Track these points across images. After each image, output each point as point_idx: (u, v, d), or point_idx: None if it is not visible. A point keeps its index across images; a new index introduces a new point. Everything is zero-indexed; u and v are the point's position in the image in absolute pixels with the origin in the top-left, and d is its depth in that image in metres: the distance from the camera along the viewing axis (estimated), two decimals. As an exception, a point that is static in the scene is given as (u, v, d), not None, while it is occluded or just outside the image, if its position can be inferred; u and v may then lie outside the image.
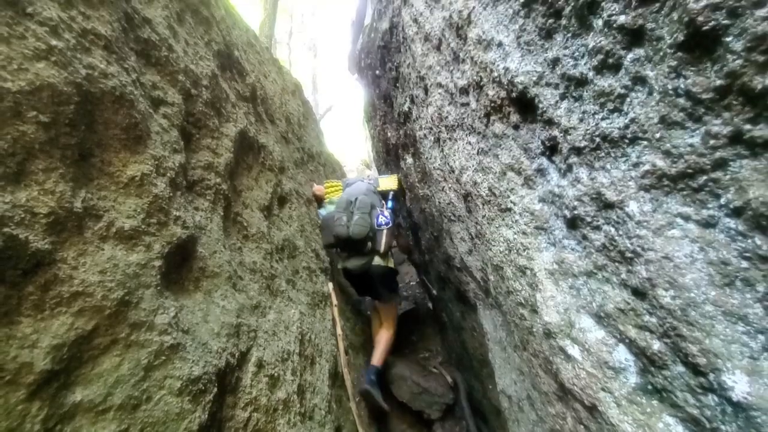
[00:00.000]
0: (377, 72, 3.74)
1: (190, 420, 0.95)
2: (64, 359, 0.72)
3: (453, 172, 1.86)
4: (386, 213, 2.96)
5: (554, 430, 1.19)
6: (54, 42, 0.84)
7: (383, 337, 3.23)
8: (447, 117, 1.85)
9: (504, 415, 1.94)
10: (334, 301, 3.09)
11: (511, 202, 1.24)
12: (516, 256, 1.22)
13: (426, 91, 2.15)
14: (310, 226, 3.29)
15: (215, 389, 1.08)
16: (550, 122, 0.97)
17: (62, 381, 0.72)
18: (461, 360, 3.21)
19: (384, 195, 3.21)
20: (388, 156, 4.12)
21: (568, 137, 0.90)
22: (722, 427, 0.59)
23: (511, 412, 1.75)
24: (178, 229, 1.17)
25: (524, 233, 1.16)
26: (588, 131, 0.83)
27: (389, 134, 3.75)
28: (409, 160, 3.07)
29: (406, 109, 2.78)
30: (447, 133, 1.90)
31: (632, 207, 0.72)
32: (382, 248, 2.90)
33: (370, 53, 3.92)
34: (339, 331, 3.00)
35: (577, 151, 0.88)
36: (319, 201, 3.44)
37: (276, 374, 1.55)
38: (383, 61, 3.35)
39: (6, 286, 0.67)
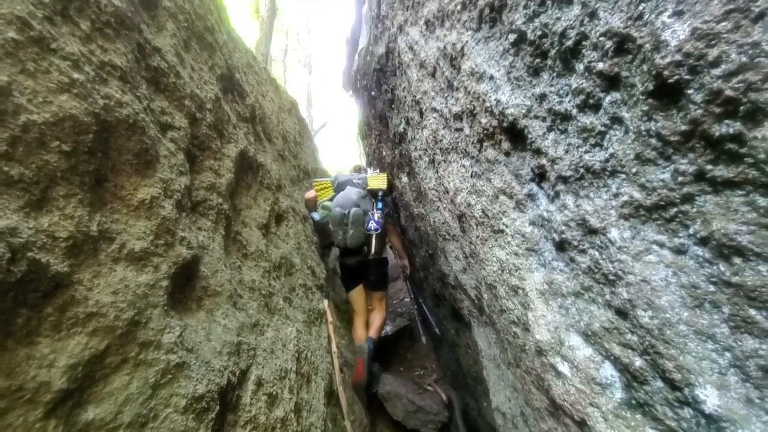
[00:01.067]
0: (373, 93, 3.85)
1: (193, 438, 0.97)
2: (79, 378, 0.75)
3: (447, 192, 1.93)
4: (377, 217, 3.15)
5: (547, 446, 1.22)
6: (76, 75, 0.90)
7: (377, 319, 3.43)
8: (442, 140, 1.93)
9: (498, 433, 1.97)
10: (330, 318, 3.10)
11: (504, 224, 1.30)
12: (508, 276, 1.28)
13: (421, 114, 2.24)
14: (307, 243, 3.33)
15: (217, 407, 1.11)
16: (538, 152, 1.04)
17: (76, 400, 0.74)
18: (456, 377, 3.23)
19: (374, 194, 3.31)
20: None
21: (555, 166, 0.97)
22: (699, 439, 0.64)
23: (505, 430, 1.78)
24: (183, 250, 1.21)
25: (516, 254, 1.22)
26: (573, 162, 0.90)
27: (384, 153, 3.84)
28: (405, 179, 3.14)
29: (402, 130, 2.87)
30: (442, 156, 1.98)
31: (614, 233, 0.78)
32: (374, 250, 3.20)
33: (366, 75, 4.03)
34: (334, 348, 3.01)
35: (564, 179, 0.95)
36: (313, 204, 3.56)
37: (274, 392, 1.57)
38: (379, 83, 3.46)
39: (27, 308, 0.71)
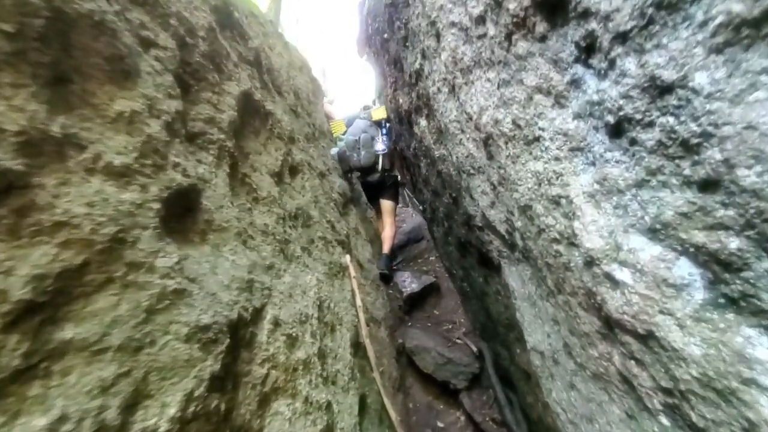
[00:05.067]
0: (385, 35, 3.57)
1: (200, 368, 0.88)
2: (48, 291, 0.65)
3: (471, 119, 1.73)
4: (383, 140, 4.06)
5: (598, 374, 1.08)
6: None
7: (387, 234, 4.22)
8: (462, 59, 1.70)
9: (535, 376, 1.84)
10: (353, 272, 3.02)
11: (540, 129, 1.10)
12: (548, 188, 1.09)
13: (438, 37, 2.00)
14: (325, 198, 3.21)
15: (228, 340, 1.02)
16: (585, 14, 0.83)
17: (48, 315, 0.65)
18: (485, 329, 3.11)
19: (378, 123, 4.15)
20: (401, 125, 3.97)
21: (610, 24, 0.76)
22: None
23: (544, 369, 1.64)
24: (178, 176, 1.09)
25: (557, 159, 1.03)
26: (636, 6, 0.69)
27: (401, 101, 3.60)
28: (423, 123, 2.92)
29: (417, 67, 2.62)
30: (462, 77, 1.75)
31: (699, 79, 0.59)
32: (386, 166, 4.10)
33: (377, 17, 3.74)
34: (359, 302, 2.94)
35: (622, 37, 0.74)
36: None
37: (294, 334, 1.49)
38: (391, 20, 3.18)
39: (-26, 207, 0.60)
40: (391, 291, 4.26)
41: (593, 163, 0.92)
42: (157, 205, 0.95)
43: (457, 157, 2.10)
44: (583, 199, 0.93)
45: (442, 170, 2.61)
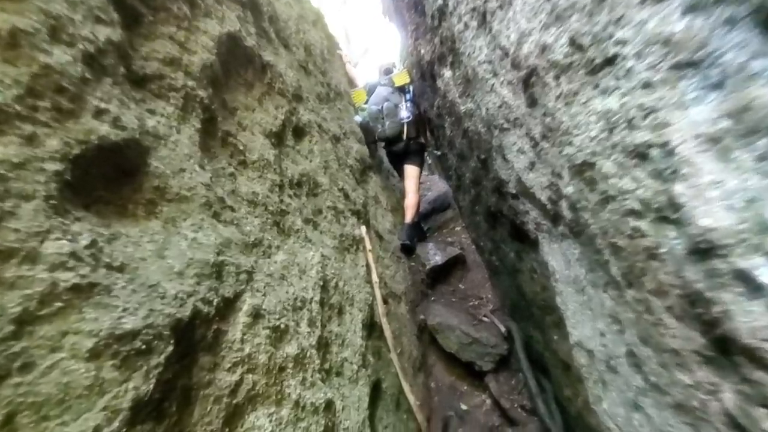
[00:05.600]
0: (404, -27, 3.09)
1: (115, 395, 0.62)
2: None
3: (507, 54, 1.33)
4: (407, 107, 3.74)
5: (685, 406, 0.75)
6: None
7: (411, 202, 3.88)
8: (496, -28, 1.29)
9: (578, 373, 1.53)
10: (368, 245, 2.74)
11: (617, 43, 0.73)
12: (626, 135, 0.73)
13: (464, -47, 1.57)
14: (337, 164, 2.90)
15: (170, 348, 0.76)
16: None
17: None
18: (516, 307, 2.79)
19: (401, 89, 3.83)
20: (424, 81, 3.53)
21: None
22: None
23: (591, 371, 1.33)
24: (103, 127, 0.80)
25: (647, 86, 0.66)
26: None
27: (423, 51, 3.15)
28: (447, 73, 2.50)
29: (441, 2, 2.18)
30: (497, 0, 1.35)
31: None
32: (412, 134, 3.79)
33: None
34: (375, 278, 2.68)
35: None
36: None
37: (283, 325, 1.23)
38: (410, -48, 2.70)
39: None
40: (413, 263, 3.98)
41: (720, 85, 0.54)
42: (56, 167, 0.67)
43: (487, 110, 1.71)
44: (696, 147, 0.57)
45: (468, 128, 2.22)
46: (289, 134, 2.13)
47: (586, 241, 1.12)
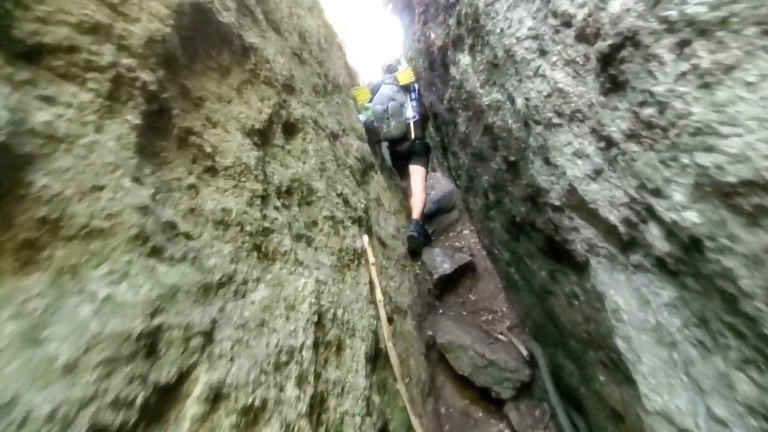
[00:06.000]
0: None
1: None
2: None
3: (568, 24, 0.97)
4: (413, 106, 3.62)
5: None
6: None
7: (418, 200, 3.71)
8: None
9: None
10: (371, 259, 2.39)
11: None
12: None
13: None
14: (336, 165, 2.53)
15: None
16: None
17: None
18: (541, 330, 2.44)
19: (406, 88, 3.70)
20: (432, 71, 3.15)
21: None
22: None
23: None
24: None
25: None
26: None
27: (433, 36, 2.78)
28: (464, 59, 2.13)
29: (459, -27, 1.81)
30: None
31: None
32: (418, 135, 3.67)
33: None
34: (379, 296, 2.32)
35: None
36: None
37: (258, 401, 0.88)
38: None
39: None
40: (418, 272, 3.63)
41: None
42: None
43: (526, 100, 1.35)
44: None
45: (493, 124, 1.85)
46: (277, 131, 1.76)
47: (697, 287, 0.77)
